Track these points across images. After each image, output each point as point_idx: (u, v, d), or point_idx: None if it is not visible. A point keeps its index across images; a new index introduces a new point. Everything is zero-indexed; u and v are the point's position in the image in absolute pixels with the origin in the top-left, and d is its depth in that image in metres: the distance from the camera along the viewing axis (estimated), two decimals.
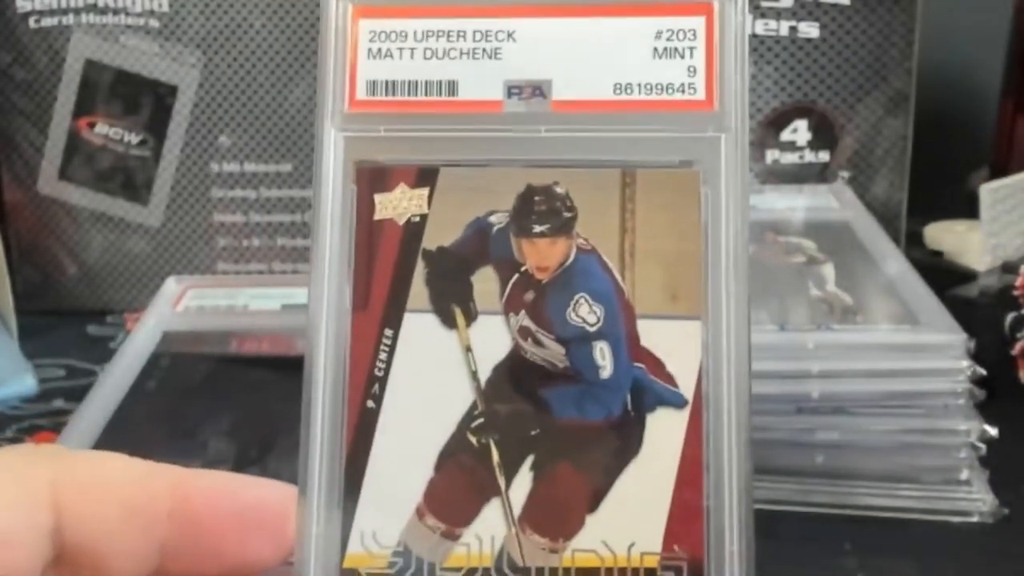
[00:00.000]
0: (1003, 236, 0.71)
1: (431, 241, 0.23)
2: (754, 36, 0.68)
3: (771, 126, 0.70)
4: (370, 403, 0.22)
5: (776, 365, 0.48)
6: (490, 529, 0.22)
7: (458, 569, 0.22)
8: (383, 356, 0.23)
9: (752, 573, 0.21)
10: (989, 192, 0.69)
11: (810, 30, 0.68)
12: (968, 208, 0.72)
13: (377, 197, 0.23)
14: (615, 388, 0.22)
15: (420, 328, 0.23)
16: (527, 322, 0.23)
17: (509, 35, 0.23)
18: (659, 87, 0.23)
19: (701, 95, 0.23)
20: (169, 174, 0.70)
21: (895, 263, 0.57)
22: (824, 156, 0.70)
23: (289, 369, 0.33)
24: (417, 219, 0.23)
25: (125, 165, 0.70)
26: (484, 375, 0.23)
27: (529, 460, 0.22)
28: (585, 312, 0.23)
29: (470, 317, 0.23)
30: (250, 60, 0.68)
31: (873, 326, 0.51)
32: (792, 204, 0.66)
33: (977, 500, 0.47)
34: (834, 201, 0.66)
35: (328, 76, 0.23)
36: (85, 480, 0.21)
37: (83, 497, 0.21)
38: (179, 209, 0.70)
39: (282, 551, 0.23)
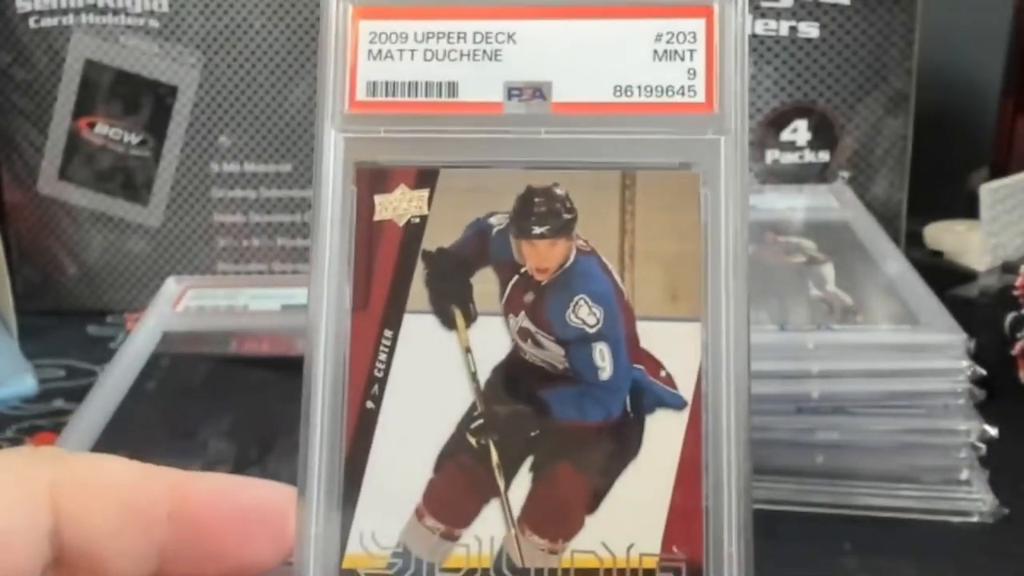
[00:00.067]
0: (1003, 236, 0.71)
1: (431, 242, 0.23)
2: (754, 36, 0.67)
3: (771, 126, 0.70)
4: (370, 404, 0.22)
5: (776, 365, 0.48)
6: (489, 530, 0.22)
7: (457, 570, 0.22)
8: (383, 357, 0.23)
9: (751, 574, 0.21)
10: (989, 192, 0.69)
11: (810, 30, 0.68)
12: (968, 208, 0.72)
13: (377, 198, 0.23)
14: (614, 389, 0.22)
15: (420, 329, 0.23)
16: (527, 323, 0.23)
17: (509, 37, 0.23)
18: (659, 89, 0.23)
19: (701, 97, 0.23)
20: (169, 174, 0.70)
21: (895, 263, 0.56)
22: (824, 156, 0.70)
23: (289, 369, 0.33)
24: (417, 220, 0.23)
25: (125, 165, 0.70)
26: (484, 376, 0.23)
27: (528, 461, 0.22)
28: (585, 313, 0.23)
29: (470, 318, 0.23)
30: (250, 60, 0.68)
31: (873, 326, 0.51)
32: (792, 204, 0.66)
33: (977, 500, 0.47)
34: (834, 201, 0.66)
35: (328, 77, 0.23)
36: (84, 482, 0.21)
37: (82, 499, 0.21)
38: (179, 209, 0.70)
39: (281, 552, 0.23)
